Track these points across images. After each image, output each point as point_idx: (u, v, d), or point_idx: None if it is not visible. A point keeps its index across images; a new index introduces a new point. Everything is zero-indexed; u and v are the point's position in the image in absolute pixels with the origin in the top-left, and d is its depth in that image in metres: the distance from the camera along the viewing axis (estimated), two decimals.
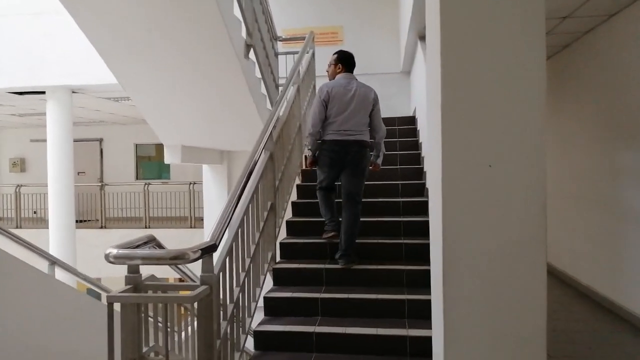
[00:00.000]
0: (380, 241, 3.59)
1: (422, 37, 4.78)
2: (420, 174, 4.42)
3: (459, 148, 1.62)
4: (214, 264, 2.24)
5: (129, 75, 4.68)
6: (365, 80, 3.74)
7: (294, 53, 5.73)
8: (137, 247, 2.30)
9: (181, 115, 5.19)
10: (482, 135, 1.61)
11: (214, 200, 6.83)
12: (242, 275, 2.70)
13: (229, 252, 2.50)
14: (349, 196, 3.46)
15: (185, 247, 2.06)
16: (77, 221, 11.61)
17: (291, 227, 3.98)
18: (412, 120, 5.40)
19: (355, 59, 3.77)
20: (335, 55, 3.75)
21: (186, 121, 5.30)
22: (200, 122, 5.31)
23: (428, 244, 2.04)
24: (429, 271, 2.04)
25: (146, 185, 10.86)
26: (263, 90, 5.15)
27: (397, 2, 7.10)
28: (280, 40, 5.69)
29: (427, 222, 3.65)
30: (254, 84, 4.78)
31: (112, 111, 10.51)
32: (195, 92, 4.82)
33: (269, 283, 3.30)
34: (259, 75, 5.04)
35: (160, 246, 2.58)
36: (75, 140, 12.84)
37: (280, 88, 4.53)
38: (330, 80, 3.74)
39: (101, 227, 11.08)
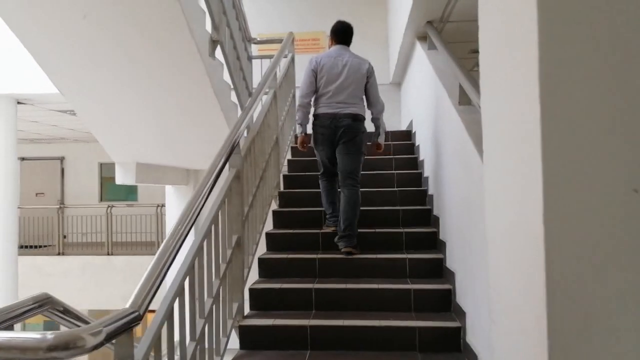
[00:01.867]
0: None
1: (422, 38, 4.08)
2: (422, 197, 3.66)
3: (583, 167, 0.85)
4: (137, 344, 1.42)
5: (65, 77, 3.84)
6: None
7: (270, 57, 4.99)
8: (18, 316, 1.48)
9: (133, 126, 4.35)
10: (626, 148, 0.85)
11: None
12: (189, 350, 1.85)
13: (167, 318, 1.66)
14: (344, 174, 3.17)
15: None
16: (31, 247, 10.58)
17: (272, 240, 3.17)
18: (407, 135, 4.67)
19: None
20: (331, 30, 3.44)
21: (140, 133, 4.45)
22: (158, 135, 4.47)
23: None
24: None
25: (109, 208, 9.85)
26: (234, 98, 4.36)
27: (386, 7, 6.45)
28: (254, 43, 4.93)
29: (438, 265, 3.06)
30: (221, 89, 3.98)
31: (72, 127, 9.55)
32: (149, 97, 4.00)
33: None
34: (229, 80, 4.25)
35: (63, 312, 1.73)
36: (33, 159, 12.01)
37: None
38: None
39: (58, 254, 10.00)
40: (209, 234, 2.23)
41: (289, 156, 4.36)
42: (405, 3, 3.94)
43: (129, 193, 11.75)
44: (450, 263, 2.74)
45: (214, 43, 3.76)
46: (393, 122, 6.04)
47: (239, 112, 4.44)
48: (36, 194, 11.83)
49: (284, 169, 4.10)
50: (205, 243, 2.18)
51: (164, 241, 1.85)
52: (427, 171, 3.69)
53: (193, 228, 1.99)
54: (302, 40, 6.28)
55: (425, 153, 3.81)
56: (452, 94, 2.73)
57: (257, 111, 3.51)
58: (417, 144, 4.27)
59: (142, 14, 3.18)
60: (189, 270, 1.96)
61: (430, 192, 3.55)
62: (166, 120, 4.29)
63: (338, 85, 3.17)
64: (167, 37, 3.40)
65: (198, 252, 2.08)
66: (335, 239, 3.11)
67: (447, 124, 2.78)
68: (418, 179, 3.91)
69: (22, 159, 11.91)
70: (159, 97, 4.03)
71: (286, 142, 4.30)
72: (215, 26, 3.72)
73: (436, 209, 3.27)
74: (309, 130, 3.36)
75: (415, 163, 4.16)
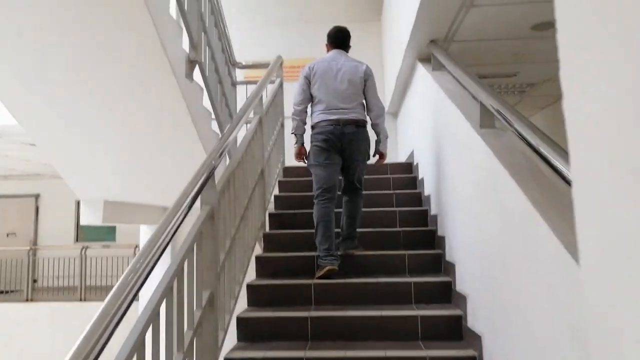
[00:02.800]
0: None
1: (424, 59, 3.69)
2: (430, 238, 3.15)
3: None
4: None
5: (21, 103, 3.34)
6: None
7: (256, 83, 4.58)
8: None
9: (99, 159, 3.83)
10: None
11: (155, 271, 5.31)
12: None
13: None
14: (349, 183, 2.99)
15: None
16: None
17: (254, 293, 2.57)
18: (408, 167, 4.22)
19: None
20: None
21: (107, 166, 3.93)
22: (127, 168, 3.96)
23: None
24: None
25: (84, 250, 9.16)
26: (215, 127, 3.89)
27: (380, 34, 6.14)
28: (239, 67, 4.52)
29: (455, 317, 2.54)
30: (200, 116, 3.52)
31: (47, 161, 8.98)
32: (116, 125, 3.51)
33: None
34: (209, 106, 3.80)
35: None
36: (6, 196, 11.33)
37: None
38: None
39: (27, 300, 9.24)
40: (170, 293, 1.69)
41: (276, 191, 3.86)
42: (406, 22, 3.57)
43: (107, 233, 11.03)
44: (473, 323, 2.21)
45: (191, 63, 3.32)
46: (390, 154, 5.59)
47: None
48: (7, 234, 11.08)
49: (271, 206, 3.60)
50: (164, 304, 1.65)
51: (102, 308, 1.33)
52: (435, 208, 3.20)
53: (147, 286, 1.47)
54: (292, 67, 5.90)
55: (432, 187, 3.34)
56: (471, 116, 2.29)
57: (239, 139, 3.05)
58: (420, 177, 3.80)
59: (105, 26, 2.74)
60: (137, 347, 1.42)
61: (439, 233, 3.05)
62: (137, 152, 3.78)
63: (334, 89, 2.95)
64: (136, 54, 2.95)
65: (152, 319, 1.55)
66: (337, 242, 2.89)
67: (465, 151, 2.32)
68: (424, 217, 3.41)
69: None
70: (127, 124, 3.54)
71: (273, 175, 3.81)
72: (193, 45, 3.29)
73: (449, 254, 2.77)
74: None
75: (419, 199, 3.68)
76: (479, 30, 3.41)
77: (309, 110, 3.08)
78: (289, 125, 4.94)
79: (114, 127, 3.57)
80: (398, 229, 3.28)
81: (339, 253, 2.85)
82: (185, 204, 1.80)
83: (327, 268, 2.69)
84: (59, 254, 9.75)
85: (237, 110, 4.28)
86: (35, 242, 11.03)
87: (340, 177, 3.03)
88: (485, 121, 2.12)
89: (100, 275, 9.26)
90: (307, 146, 3.08)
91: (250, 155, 3.01)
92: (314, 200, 2.91)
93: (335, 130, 2.88)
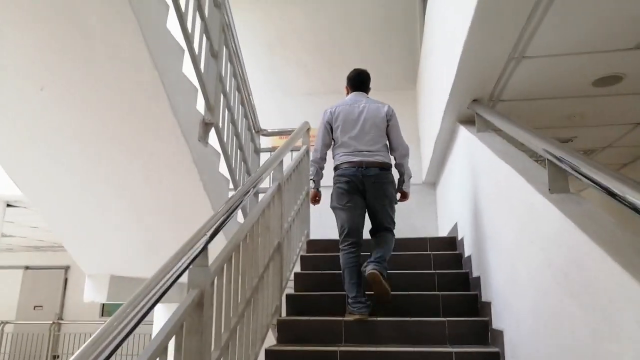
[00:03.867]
0: None
1: (467, 121, 3.27)
2: (483, 330, 2.54)
3: None
4: None
5: (25, 173, 3.12)
6: None
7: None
8: None
9: (105, 230, 3.51)
10: None
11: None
12: None
13: None
14: (379, 225, 2.87)
15: None
16: None
17: None
18: (451, 243, 3.66)
19: None
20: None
21: (113, 238, 3.59)
22: (135, 240, 3.60)
23: None
24: None
25: None
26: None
27: (414, 103, 5.84)
28: (263, 134, 4.24)
29: None
30: (215, 183, 3.18)
31: (53, 232, 8.86)
32: (124, 194, 3.20)
33: None
34: (227, 174, 3.47)
35: None
36: (37, 268, 11.24)
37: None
38: None
39: None
40: None
41: (297, 268, 3.37)
42: (445, 80, 3.21)
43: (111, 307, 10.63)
44: None
45: (206, 126, 3.03)
46: (429, 228, 5.05)
47: (239, 214, 3.58)
48: (34, 307, 10.85)
49: (290, 286, 3.09)
50: None
51: None
52: (488, 293, 2.61)
53: None
54: None
55: (482, 267, 2.76)
56: (535, 179, 1.80)
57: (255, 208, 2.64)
58: (466, 255, 3.23)
59: (111, 84, 2.50)
60: None
61: (497, 325, 2.44)
62: (145, 222, 3.43)
63: (357, 132, 2.89)
64: (143, 115, 2.69)
65: None
66: (362, 267, 2.71)
67: (532, 224, 1.79)
68: (473, 302, 2.81)
69: (26, 267, 11.22)
70: (135, 193, 3.22)
71: (294, 249, 3.34)
72: (209, 107, 3.02)
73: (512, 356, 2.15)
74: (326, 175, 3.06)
75: (467, 280, 3.09)
76: (529, 88, 2.99)
77: (329, 152, 3.06)
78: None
79: (119, 195, 3.26)
80: (442, 318, 2.68)
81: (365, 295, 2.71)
82: (147, 301, 1.35)
83: (356, 317, 2.62)
84: (82, 330, 9.36)
85: None
86: (60, 316, 10.71)
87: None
88: (557, 184, 1.63)
89: (121, 354, 8.72)
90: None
91: (264, 226, 2.58)
92: (340, 246, 2.84)
93: (357, 173, 2.81)
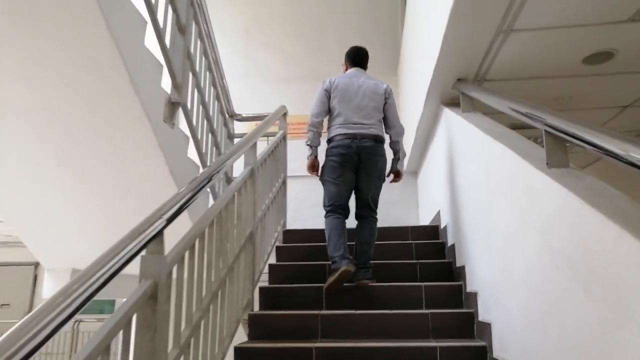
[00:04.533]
0: None
1: (451, 103, 3.11)
2: (468, 322, 2.38)
3: None
4: None
5: None
6: None
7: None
8: None
9: (65, 219, 3.24)
10: None
11: None
12: None
13: None
14: (364, 203, 2.87)
15: None
16: None
17: None
18: (434, 231, 3.50)
19: None
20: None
21: (74, 228, 3.32)
22: (98, 231, 3.33)
23: None
24: None
25: (76, 323, 8.39)
26: None
27: (396, 91, 5.66)
28: (237, 119, 4.01)
29: None
30: (183, 169, 2.94)
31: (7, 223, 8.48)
32: (85, 181, 2.94)
33: None
34: (198, 161, 3.23)
35: None
36: (4, 264, 10.77)
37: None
38: None
39: None
40: None
41: (272, 259, 3.16)
42: (427, 60, 3.03)
43: (106, 304, 10.28)
44: None
45: (173, 106, 2.79)
46: (411, 218, 4.90)
47: (211, 201, 3.35)
48: (1, 305, 10.39)
49: (263, 279, 2.89)
50: None
51: None
52: (474, 283, 2.45)
53: None
54: (300, 124, 5.41)
55: (469, 258, 2.60)
56: (531, 155, 1.63)
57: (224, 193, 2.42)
58: (449, 244, 3.07)
59: (63, 56, 2.25)
60: None
61: (484, 318, 2.28)
62: (109, 211, 3.19)
63: (354, 105, 2.89)
64: (100, 91, 2.44)
65: None
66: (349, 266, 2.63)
67: (529, 205, 1.62)
68: (457, 293, 2.65)
69: None
70: (97, 179, 2.97)
71: (269, 239, 3.13)
72: (176, 85, 2.78)
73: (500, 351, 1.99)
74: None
75: (450, 269, 2.93)
76: (517, 66, 2.84)
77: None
78: (290, 182, 4.37)
79: (80, 181, 3.01)
80: (425, 310, 2.51)
81: (352, 284, 2.68)
82: (82, 290, 1.13)
83: (342, 269, 2.55)
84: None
85: (234, 169, 3.72)
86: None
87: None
88: (556, 157, 1.46)
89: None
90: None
91: (234, 213, 2.37)
92: (325, 217, 2.84)
93: (352, 144, 2.80)
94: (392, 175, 3.05)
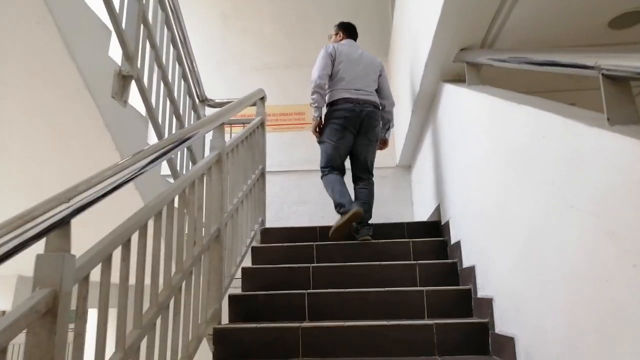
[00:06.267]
0: None
1: (453, 79, 2.70)
2: (482, 335, 1.96)
3: None
4: None
5: None
6: None
7: (241, 122, 3.69)
8: None
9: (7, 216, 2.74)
10: None
11: None
12: None
13: None
14: (362, 167, 3.05)
15: None
16: None
17: None
18: (435, 227, 3.08)
19: None
20: (336, 27, 3.35)
21: None
22: None
23: None
24: None
25: None
26: (166, 169, 2.85)
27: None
28: (209, 105, 3.56)
29: None
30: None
31: None
32: (26, 166, 2.48)
33: None
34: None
35: None
36: None
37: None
38: None
39: None
40: None
41: (247, 262, 2.71)
42: (425, 30, 2.62)
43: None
44: None
45: (124, 79, 2.34)
46: (405, 215, 4.49)
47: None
48: None
49: (235, 285, 2.44)
50: None
51: None
52: (488, 287, 2.03)
53: None
54: (283, 114, 4.98)
55: (479, 255, 2.18)
56: (580, 115, 1.22)
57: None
58: (454, 241, 2.65)
59: None
60: None
61: (502, 330, 1.86)
62: None
63: (358, 72, 3.06)
64: (30, 56, 1.99)
65: None
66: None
67: (574, 179, 1.20)
68: (466, 300, 2.23)
69: None
70: (40, 163, 2.51)
71: (243, 239, 2.68)
72: (127, 55, 2.33)
73: None
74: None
75: (455, 272, 2.52)
76: (529, 33, 2.44)
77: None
78: (271, 178, 3.93)
79: (21, 167, 2.55)
80: (428, 321, 2.08)
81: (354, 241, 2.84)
82: None
83: (354, 210, 2.72)
84: (17, 340, 8.39)
85: (203, 155, 3.29)
86: None
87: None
88: (621, 110, 1.05)
89: None
90: None
91: (193, 205, 1.92)
92: (322, 173, 3.01)
93: (355, 108, 2.96)
94: (381, 143, 3.22)
